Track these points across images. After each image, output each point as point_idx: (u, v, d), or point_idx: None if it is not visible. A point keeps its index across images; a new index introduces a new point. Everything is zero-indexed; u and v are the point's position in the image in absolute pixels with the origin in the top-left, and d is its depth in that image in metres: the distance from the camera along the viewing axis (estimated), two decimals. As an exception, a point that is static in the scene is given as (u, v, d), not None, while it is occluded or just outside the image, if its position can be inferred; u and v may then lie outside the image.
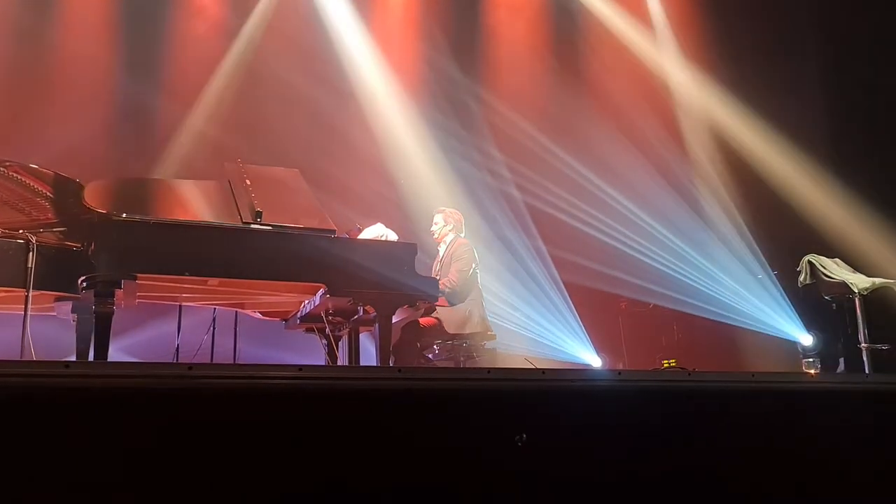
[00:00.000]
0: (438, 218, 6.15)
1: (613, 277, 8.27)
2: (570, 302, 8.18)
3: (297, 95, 7.87)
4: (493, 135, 8.63)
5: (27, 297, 4.24)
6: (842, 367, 6.94)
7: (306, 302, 5.14)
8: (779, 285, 8.00)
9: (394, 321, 4.95)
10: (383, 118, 8.42)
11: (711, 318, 8.03)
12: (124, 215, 4.55)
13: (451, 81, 8.58)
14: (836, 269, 6.85)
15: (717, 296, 8.25)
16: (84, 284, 4.45)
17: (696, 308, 8.09)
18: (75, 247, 4.53)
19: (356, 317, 5.07)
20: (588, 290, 8.21)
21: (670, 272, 8.38)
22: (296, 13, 8.44)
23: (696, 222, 8.55)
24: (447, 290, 5.67)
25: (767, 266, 8.26)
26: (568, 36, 9.16)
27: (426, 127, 8.44)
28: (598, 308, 8.31)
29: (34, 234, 4.40)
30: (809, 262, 6.97)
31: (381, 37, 8.74)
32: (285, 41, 8.18)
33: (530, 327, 7.97)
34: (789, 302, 7.86)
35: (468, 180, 8.32)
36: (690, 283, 8.32)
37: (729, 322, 8.04)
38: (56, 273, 4.43)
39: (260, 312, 5.39)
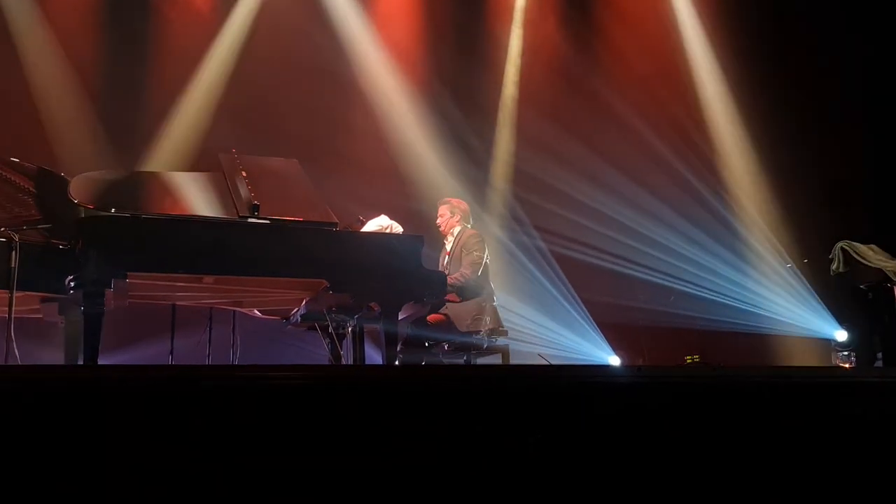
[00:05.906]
0: (444, 209, 6.00)
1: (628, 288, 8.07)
2: (580, 301, 7.99)
3: (295, 81, 7.74)
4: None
5: (11, 298, 4.19)
6: (880, 361, 6.74)
7: (308, 299, 5.04)
8: (807, 278, 7.83)
9: (400, 318, 4.87)
10: (386, 106, 8.26)
11: (740, 330, 7.84)
12: (113, 210, 4.50)
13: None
14: (872, 256, 6.66)
15: (746, 307, 8.01)
16: (72, 284, 4.38)
17: (724, 324, 7.89)
18: (62, 245, 4.48)
19: (360, 314, 4.98)
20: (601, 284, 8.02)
21: (689, 288, 8.14)
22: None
23: (718, 224, 8.34)
24: (461, 283, 5.56)
25: (792, 258, 8.08)
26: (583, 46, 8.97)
27: (428, 117, 8.30)
28: (613, 304, 8.08)
29: (17, 232, 4.34)
30: (843, 248, 6.75)
31: (384, 35, 8.59)
32: (282, 23, 8.04)
33: (541, 332, 7.77)
34: (820, 294, 7.68)
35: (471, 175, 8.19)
36: (716, 299, 8.08)
37: (758, 332, 7.86)
38: (42, 273, 4.38)
39: (259, 311, 5.32)
